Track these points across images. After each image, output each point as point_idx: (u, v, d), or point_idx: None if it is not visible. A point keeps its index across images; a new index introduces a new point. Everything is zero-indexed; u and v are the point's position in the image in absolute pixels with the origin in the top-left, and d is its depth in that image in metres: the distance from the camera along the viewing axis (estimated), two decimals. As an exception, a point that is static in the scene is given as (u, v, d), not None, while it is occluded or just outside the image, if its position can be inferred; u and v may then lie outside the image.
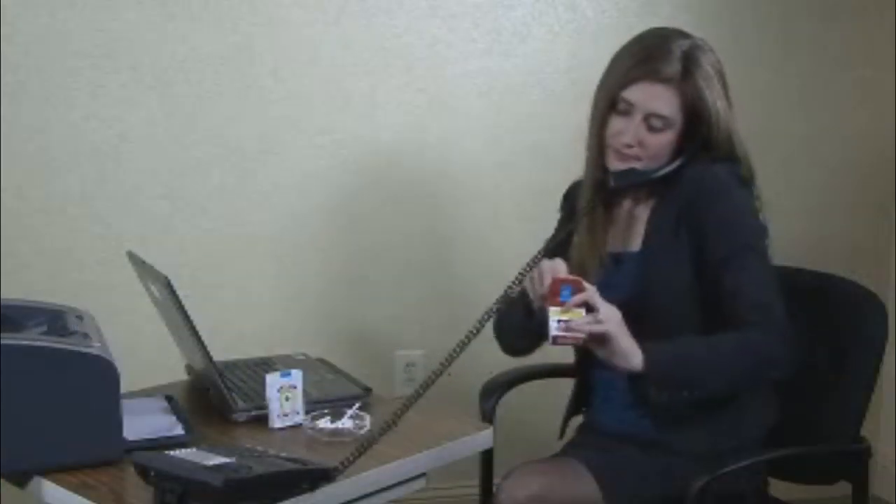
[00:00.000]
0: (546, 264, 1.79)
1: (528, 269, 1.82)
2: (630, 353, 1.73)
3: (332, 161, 2.70)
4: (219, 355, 1.90)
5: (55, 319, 1.78)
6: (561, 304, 1.73)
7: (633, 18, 2.76)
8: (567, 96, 2.78)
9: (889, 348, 2.00)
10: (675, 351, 1.78)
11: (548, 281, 1.75)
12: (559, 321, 1.72)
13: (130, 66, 2.54)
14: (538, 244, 1.93)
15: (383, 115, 2.71)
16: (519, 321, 1.92)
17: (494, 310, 1.80)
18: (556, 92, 2.79)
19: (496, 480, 1.93)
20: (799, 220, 2.89)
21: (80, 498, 1.53)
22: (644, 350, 1.74)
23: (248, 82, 2.62)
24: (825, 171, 3.00)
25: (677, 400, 1.77)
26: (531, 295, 1.82)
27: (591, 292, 1.73)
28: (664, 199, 1.92)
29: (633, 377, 1.77)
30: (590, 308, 1.72)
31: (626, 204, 1.99)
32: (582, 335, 1.71)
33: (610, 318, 1.72)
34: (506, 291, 1.82)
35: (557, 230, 2.05)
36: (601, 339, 1.72)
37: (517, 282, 1.83)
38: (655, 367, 1.74)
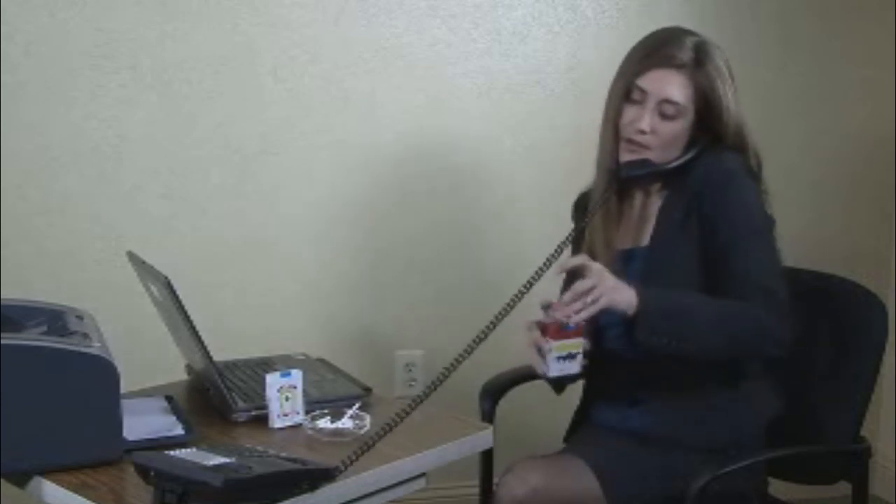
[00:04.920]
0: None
1: (540, 270, 1.82)
2: (624, 302, 1.77)
3: (332, 161, 2.70)
4: (219, 355, 1.90)
5: (55, 319, 1.78)
6: (561, 335, 1.76)
7: (633, 18, 2.76)
8: (567, 96, 2.78)
9: (889, 348, 2.00)
10: (671, 298, 1.81)
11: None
12: (558, 358, 1.77)
13: (130, 66, 2.54)
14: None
15: (383, 115, 2.71)
16: None
17: (505, 312, 1.81)
18: (556, 92, 2.79)
19: (496, 480, 1.93)
20: (799, 220, 2.88)
21: (80, 498, 1.53)
22: (639, 294, 1.77)
23: (248, 82, 2.62)
24: (825, 171, 3.00)
25: (664, 348, 1.78)
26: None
27: (579, 259, 1.80)
28: (674, 192, 1.93)
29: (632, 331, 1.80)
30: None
31: (638, 200, 2.00)
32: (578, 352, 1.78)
33: (602, 283, 1.76)
34: (515, 295, 1.84)
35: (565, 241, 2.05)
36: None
37: (527, 285, 1.83)
38: (646, 309, 1.77)
